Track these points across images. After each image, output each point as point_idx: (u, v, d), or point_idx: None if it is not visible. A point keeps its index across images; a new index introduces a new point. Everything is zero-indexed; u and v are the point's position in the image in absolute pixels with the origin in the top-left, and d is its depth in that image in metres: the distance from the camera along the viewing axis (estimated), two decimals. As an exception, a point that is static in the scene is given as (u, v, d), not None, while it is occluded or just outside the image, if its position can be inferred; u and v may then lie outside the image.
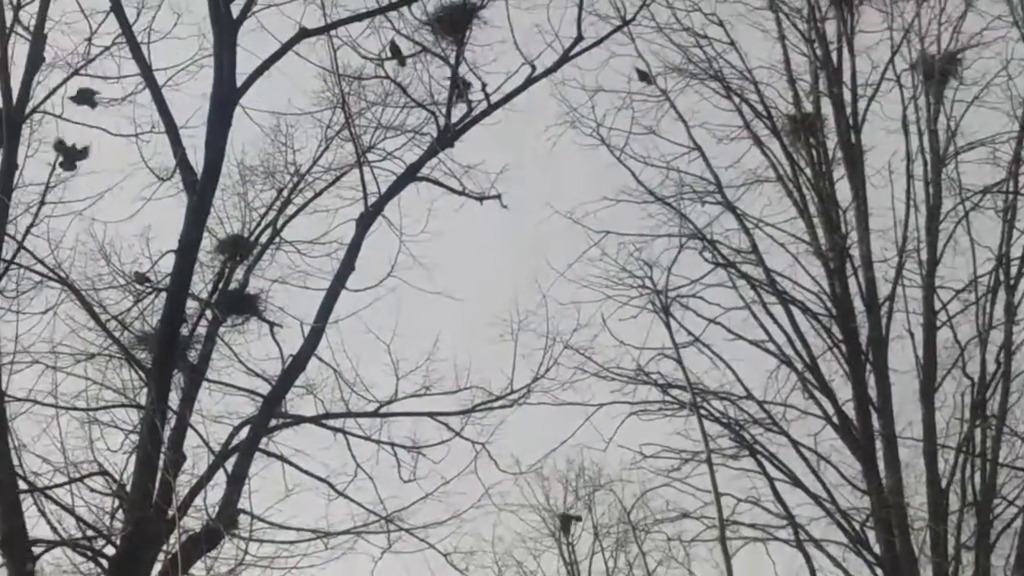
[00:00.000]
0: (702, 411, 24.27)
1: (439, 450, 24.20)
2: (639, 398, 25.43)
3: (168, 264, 22.55)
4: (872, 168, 25.31)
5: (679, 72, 25.68)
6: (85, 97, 23.54)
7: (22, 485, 21.38)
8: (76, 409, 22.49)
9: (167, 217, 22.94)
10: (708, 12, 25.55)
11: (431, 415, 24.40)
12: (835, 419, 24.69)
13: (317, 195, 25.21)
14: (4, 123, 22.34)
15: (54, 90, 23.20)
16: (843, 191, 25.31)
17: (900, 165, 25.25)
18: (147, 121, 22.77)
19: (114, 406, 23.09)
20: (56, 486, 21.67)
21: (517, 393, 24.48)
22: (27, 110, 22.83)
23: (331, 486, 23.78)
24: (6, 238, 22.13)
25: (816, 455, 24.76)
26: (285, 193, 25.28)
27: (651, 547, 29.38)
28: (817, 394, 24.91)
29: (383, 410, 24.27)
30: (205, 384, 23.85)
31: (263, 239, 25.15)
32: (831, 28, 25.79)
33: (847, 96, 25.52)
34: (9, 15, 22.83)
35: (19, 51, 22.86)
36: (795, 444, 24.77)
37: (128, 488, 21.73)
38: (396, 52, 23.90)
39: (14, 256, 22.33)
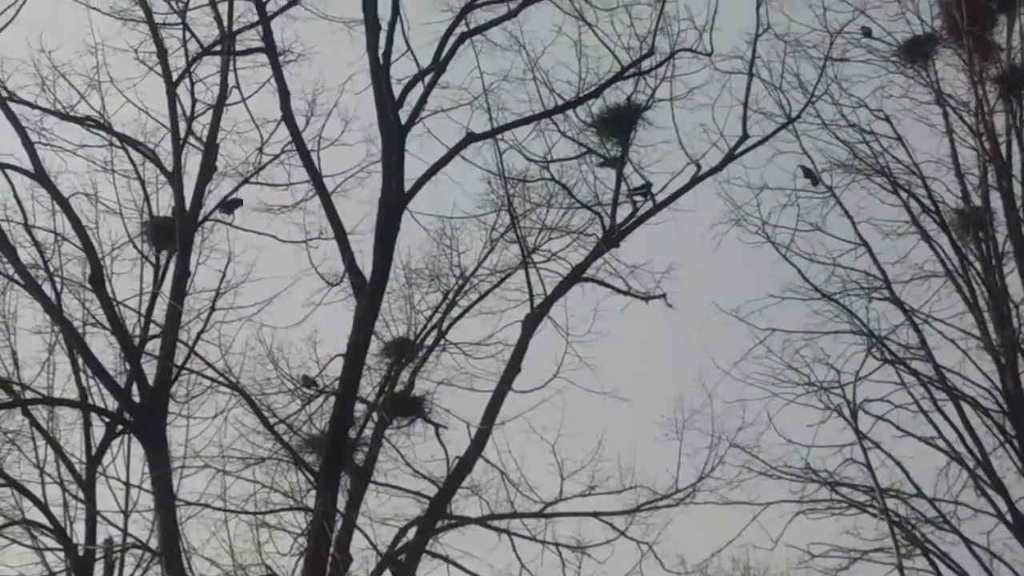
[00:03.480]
0: (873, 509, 23.82)
1: (603, 550, 24.05)
2: (806, 497, 24.95)
3: (335, 368, 22.93)
4: (1044, 262, 24.75)
5: (844, 168, 25.36)
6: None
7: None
8: (245, 512, 22.69)
9: (334, 322, 23.28)
10: (874, 108, 25.30)
11: (596, 515, 24.21)
12: (1008, 517, 23.98)
13: (482, 297, 25.23)
14: (178, 231, 22.78)
15: (228, 195, 23.66)
16: (1014, 285, 24.71)
17: (1072, 258, 24.66)
18: (315, 228, 23.24)
19: (283, 509, 23.22)
20: (230, 587, 21.82)
21: (682, 492, 24.34)
22: (199, 218, 23.24)
23: (497, 587, 23.63)
24: (178, 344, 22.47)
25: (990, 554, 24.06)
26: (450, 296, 25.33)
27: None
28: (990, 491, 24.22)
29: (548, 510, 24.11)
30: (371, 487, 23.87)
31: (428, 341, 25.16)
32: (999, 121, 25.33)
33: (1017, 189, 25.02)
34: (183, 126, 23.32)
35: (192, 161, 23.43)
36: (967, 543, 24.12)
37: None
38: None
39: (185, 361, 22.69)
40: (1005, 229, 25.02)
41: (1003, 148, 25.24)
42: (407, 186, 22.01)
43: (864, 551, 24.40)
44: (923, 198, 25.31)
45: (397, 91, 22.33)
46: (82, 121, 23.24)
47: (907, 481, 24.62)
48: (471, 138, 22.34)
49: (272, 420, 23.25)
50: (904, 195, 25.37)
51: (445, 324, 25.22)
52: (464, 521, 24.02)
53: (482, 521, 24.09)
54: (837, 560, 24.77)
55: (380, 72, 22.20)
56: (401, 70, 22.58)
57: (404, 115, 22.01)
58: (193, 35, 23.46)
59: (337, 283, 22.24)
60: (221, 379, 22.61)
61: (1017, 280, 24.77)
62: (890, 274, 25.23)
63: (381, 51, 22.28)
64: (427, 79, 22.54)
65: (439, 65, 22.70)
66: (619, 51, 23.63)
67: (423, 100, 22.31)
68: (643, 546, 23.99)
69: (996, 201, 25.19)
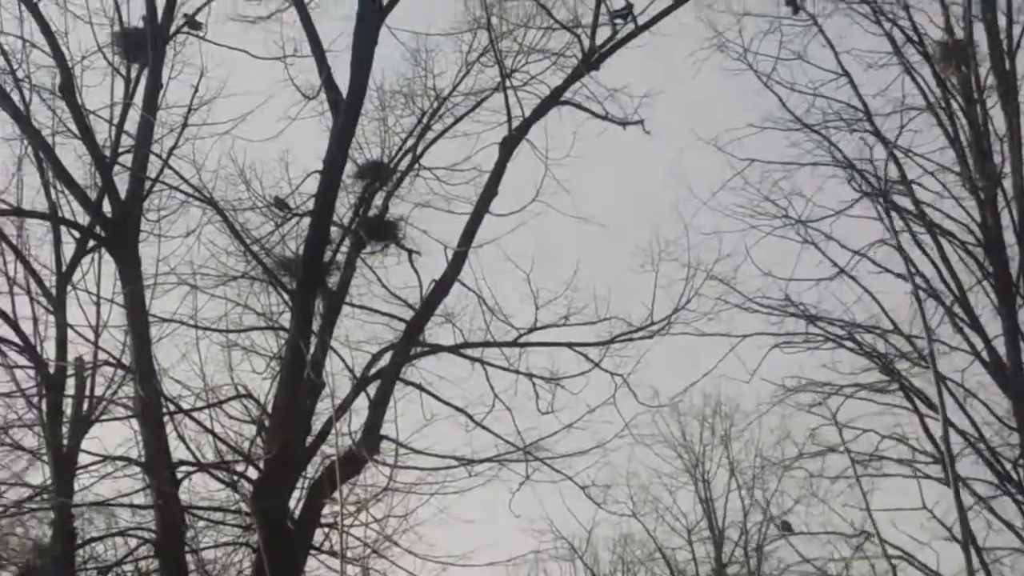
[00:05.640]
0: (849, 344, 23.76)
1: (577, 382, 23.90)
2: (783, 330, 24.87)
3: (308, 188, 22.58)
4: (1027, 96, 24.48)
5: (828, -5, 24.98)
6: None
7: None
8: (218, 331, 22.50)
9: (308, 142, 22.88)
10: (859, -65, 24.75)
11: (570, 346, 24.08)
12: (984, 355, 23.95)
13: (458, 120, 24.75)
14: (149, 42, 22.19)
15: (198, 10, 23.14)
16: (997, 120, 24.49)
17: (1056, 92, 24.40)
18: (290, 44, 22.64)
19: (257, 328, 23.02)
20: (200, 408, 21.58)
21: (658, 324, 24.10)
22: (171, 30, 22.65)
23: (469, 416, 23.52)
24: (151, 157, 21.98)
25: (964, 391, 24.10)
26: (425, 119, 24.87)
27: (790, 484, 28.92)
28: (966, 329, 24.18)
29: (522, 340, 23.93)
30: (345, 312, 23.56)
31: (403, 165, 24.75)
32: (985, -51, 24.96)
33: (1001, 21, 24.66)
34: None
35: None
36: (942, 379, 24.06)
37: (270, 412, 21.68)
38: None
39: (158, 175, 22.25)
40: (988, 62, 24.74)
41: (988, -23, 24.90)
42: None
43: (840, 385, 24.43)
44: (907, 29, 25.01)
45: None
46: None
47: (884, 316, 24.67)
48: (449, -52, 21.84)
49: (246, 240, 22.91)
50: (888, 25, 25.06)
51: (420, 148, 24.85)
52: (437, 349, 23.82)
53: (455, 349, 23.92)
54: (811, 396, 24.85)
55: None
56: None
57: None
58: None
59: (314, 97, 21.78)
60: (196, 194, 22.14)
61: (999, 114, 24.56)
62: (871, 107, 25.01)
63: None
64: None
65: None
66: None
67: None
68: (617, 378, 23.89)
69: (980, 33, 24.90)
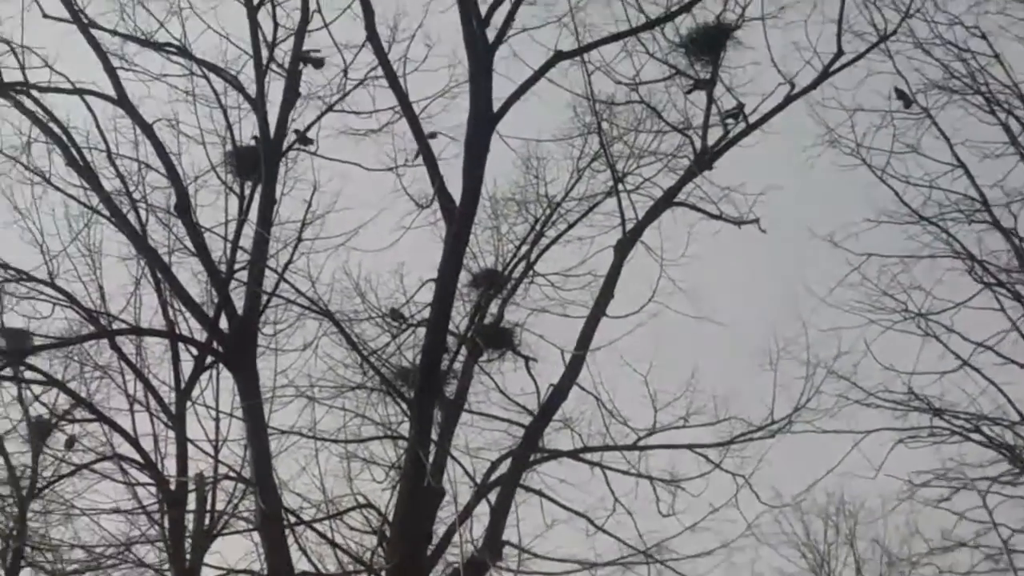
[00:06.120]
0: (976, 436, 23.32)
1: (697, 483, 23.74)
2: (907, 425, 24.47)
3: (423, 297, 22.58)
4: None
5: (940, 88, 24.70)
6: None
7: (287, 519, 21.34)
8: (337, 441, 22.54)
9: (421, 253, 22.90)
10: (970, 25, 24.50)
11: (691, 447, 23.90)
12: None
13: (571, 226, 24.97)
14: (263, 159, 22.42)
15: (309, 126, 23.33)
16: (1117, 209, 24.04)
17: None
18: (401, 155, 22.87)
19: (375, 439, 23.01)
20: (320, 519, 21.60)
21: (778, 423, 23.91)
22: (283, 147, 22.90)
23: (590, 520, 23.40)
24: (267, 271, 22.16)
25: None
26: (538, 226, 24.98)
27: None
28: (1097, 421, 23.62)
29: (641, 443, 23.85)
30: (461, 420, 23.51)
31: (517, 272, 24.81)
32: (1102, 36, 24.64)
33: (1118, 109, 24.32)
34: (265, 53, 22.91)
35: (274, 88, 23.11)
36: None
37: (391, 521, 21.61)
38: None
39: (275, 288, 22.41)
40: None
41: (1105, 66, 24.58)
42: (495, 107, 21.52)
43: (969, 479, 23.91)
44: (1023, 118, 24.67)
45: (483, 9, 21.82)
46: (162, 47, 22.80)
47: (1010, 407, 24.13)
48: (560, 56, 21.81)
49: (364, 350, 22.96)
50: (1003, 115, 24.71)
51: (534, 255, 24.90)
52: (557, 454, 23.78)
53: (575, 454, 23.85)
54: (939, 491, 24.35)
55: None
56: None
57: (491, 33, 21.50)
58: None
59: (427, 205, 21.75)
60: (312, 307, 22.22)
61: (1119, 204, 24.13)
62: (989, 197, 24.63)
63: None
64: (513, -5, 22.07)
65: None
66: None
67: (510, 18, 21.75)
68: (738, 479, 23.60)
69: (1098, 120, 24.53)
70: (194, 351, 22.56)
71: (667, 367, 23.89)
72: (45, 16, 21.89)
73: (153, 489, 22.18)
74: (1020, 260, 24.37)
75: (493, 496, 22.43)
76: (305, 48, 23.11)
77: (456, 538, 21.56)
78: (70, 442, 24.16)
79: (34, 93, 21.68)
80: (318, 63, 23.27)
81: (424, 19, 22.73)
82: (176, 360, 22.65)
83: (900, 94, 24.80)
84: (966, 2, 24.40)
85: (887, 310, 24.74)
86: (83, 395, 23.29)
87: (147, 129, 21.97)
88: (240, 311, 21.89)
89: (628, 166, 24.51)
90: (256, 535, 21.42)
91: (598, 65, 22.96)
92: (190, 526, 21.53)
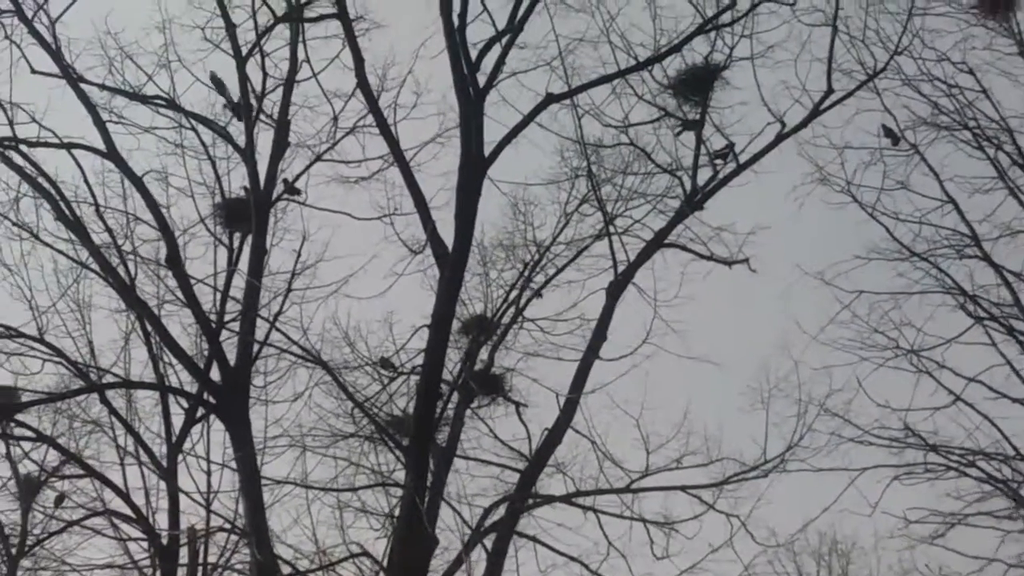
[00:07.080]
0: (973, 472, 23.25)
1: (691, 525, 23.68)
2: (902, 462, 24.37)
3: (416, 344, 22.54)
4: None
5: (928, 124, 24.70)
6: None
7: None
8: (331, 490, 22.41)
9: (411, 301, 22.92)
10: (957, 61, 24.48)
11: (684, 489, 23.80)
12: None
13: (560, 270, 24.89)
14: (253, 210, 22.32)
15: (299, 176, 23.32)
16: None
17: None
18: (391, 202, 23.00)
19: (372, 486, 22.91)
20: (315, 570, 21.47)
21: (771, 462, 23.87)
22: (273, 197, 22.80)
23: (584, 565, 23.35)
24: (258, 320, 22.03)
25: (1098, 517, 23.43)
26: (527, 272, 24.91)
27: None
28: (1092, 454, 23.57)
29: (634, 485, 23.74)
30: (453, 468, 23.39)
31: (506, 318, 24.71)
32: (1091, 71, 24.70)
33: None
34: (254, 103, 22.83)
35: (263, 138, 23.06)
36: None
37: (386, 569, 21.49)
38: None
39: (267, 337, 22.31)
40: (1099, 183, 24.39)
41: (1096, 99, 24.62)
42: (486, 151, 21.51)
43: (964, 515, 23.82)
44: (1011, 152, 24.69)
45: (473, 55, 21.84)
46: (151, 100, 22.73)
47: (1004, 442, 24.06)
48: (550, 99, 21.88)
49: (356, 399, 22.84)
50: (991, 150, 24.74)
51: (523, 300, 24.82)
52: (551, 499, 23.60)
53: (568, 498, 23.69)
54: (933, 526, 24.23)
55: (455, 34, 21.66)
56: (474, 34, 22.09)
57: (481, 79, 21.54)
58: (265, 2, 22.76)
59: (420, 251, 21.75)
60: (304, 356, 22.12)
61: (1111, 238, 24.15)
62: (979, 232, 24.63)
63: (456, 12, 21.76)
64: (504, 41, 22.03)
65: (515, 27, 22.17)
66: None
67: (500, 63, 21.83)
68: (733, 519, 23.56)
69: (1088, 155, 24.58)
70: (185, 403, 22.40)
71: (660, 408, 23.84)
72: (34, 72, 21.89)
73: (145, 544, 21.94)
74: (1012, 294, 24.38)
75: (488, 542, 22.36)
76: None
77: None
78: (60, 499, 23.95)
79: (23, 148, 21.60)
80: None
81: (413, 65, 22.82)
82: (167, 413, 22.49)
83: (888, 131, 24.83)
84: (953, 38, 24.51)
85: (879, 347, 24.63)
86: (73, 450, 23.09)
87: (136, 181, 21.87)
88: (231, 362, 21.76)
89: (617, 208, 24.50)
90: (250, 587, 21.26)
91: (587, 108, 23.14)
92: (183, 580, 21.36)
